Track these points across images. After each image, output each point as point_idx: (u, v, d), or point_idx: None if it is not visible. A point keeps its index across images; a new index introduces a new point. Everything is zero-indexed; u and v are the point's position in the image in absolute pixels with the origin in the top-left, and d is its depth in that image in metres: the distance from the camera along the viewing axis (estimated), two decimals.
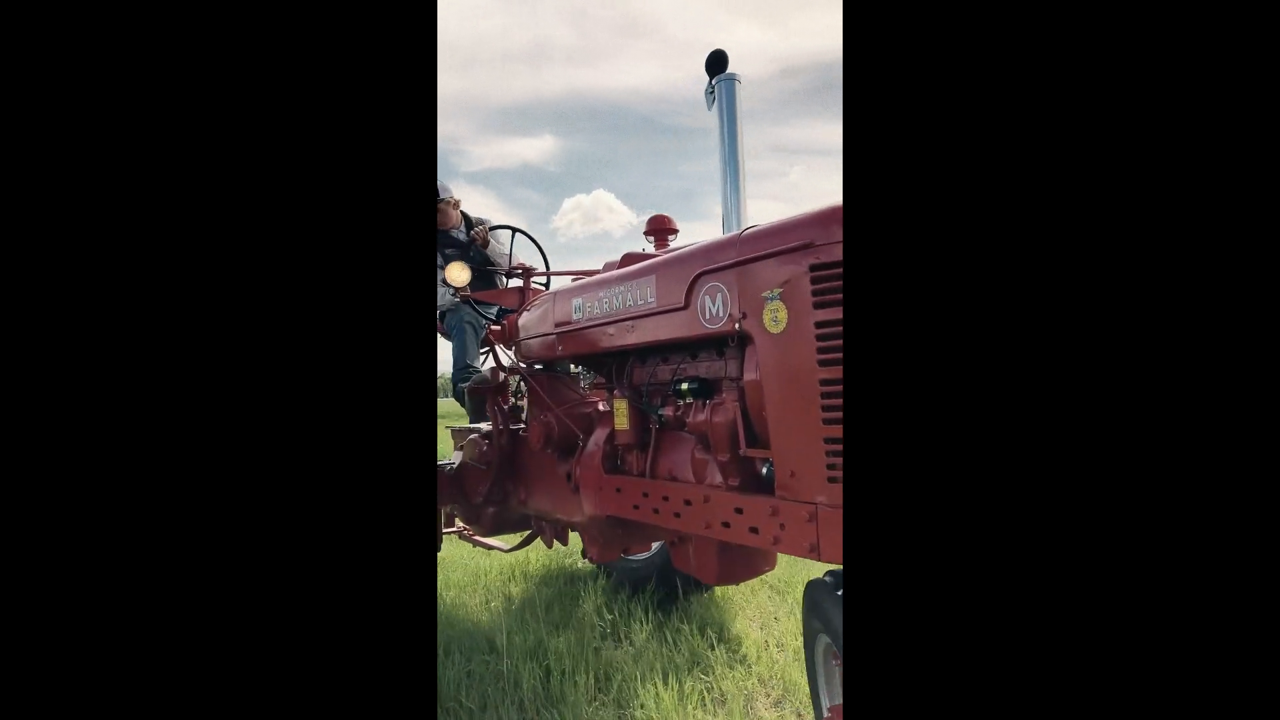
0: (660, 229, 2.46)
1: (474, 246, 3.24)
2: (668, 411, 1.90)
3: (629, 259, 2.29)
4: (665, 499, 1.87)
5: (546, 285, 3.38)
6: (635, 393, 2.11)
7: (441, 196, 3.34)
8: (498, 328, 3.02)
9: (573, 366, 2.73)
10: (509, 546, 3.18)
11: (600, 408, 2.60)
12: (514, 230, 3.35)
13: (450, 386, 3.27)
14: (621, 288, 2.02)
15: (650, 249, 2.48)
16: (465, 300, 3.08)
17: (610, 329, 2.08)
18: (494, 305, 3.24)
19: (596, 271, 2.92)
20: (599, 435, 2.22)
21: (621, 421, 2.08)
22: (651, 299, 1.89)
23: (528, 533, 3.05)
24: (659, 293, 1.87)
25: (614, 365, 2.25)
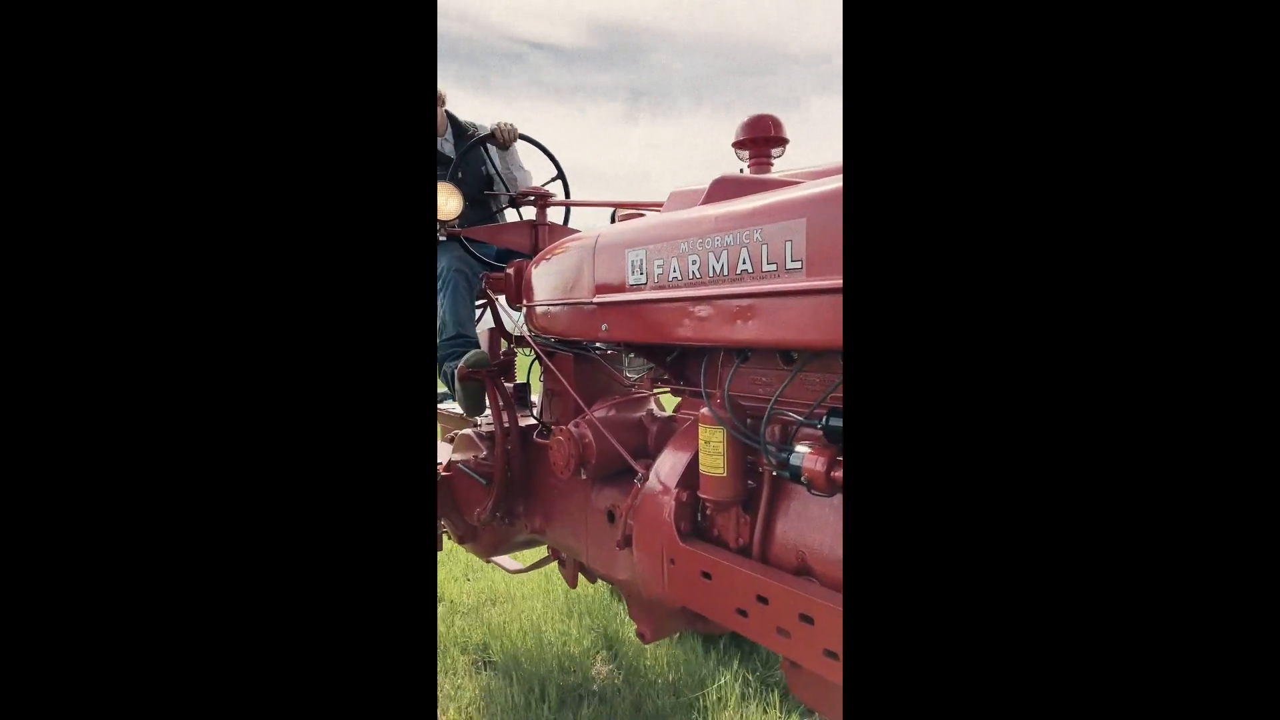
0: (761, 137, 1.56)
1: (464, 162, 2.31)
2: (811, 464, 1.07)
3: (724, 187, 1.40)
4: (808, 621, 1.06)
5: (565, 221, 2.48)
6: (738, 415, 1.27)
7: None
8: (499, 274, 2.13)
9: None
10: (519, 567, 2.42)
11: (654, 409, 1.77)
12: (522, 139, 2.41)
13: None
14: (727, 239, 1.15)
15: (747, 171, 1.59)
16: (455, 238, 2.19)
17: (701, 309, 1.22)
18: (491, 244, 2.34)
19: (653, 206, 2.03)
20: (668, 467, 1.40)
21: (714, 462, 1.25)
22: (795, 262, 1.03)
23: (544, 556, 2.28)
24: (814, 251, 1.00)
25: (698, 364, 1.40)
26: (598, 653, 2.52)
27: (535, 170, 2.56)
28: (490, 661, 2.50)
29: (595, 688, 2.27)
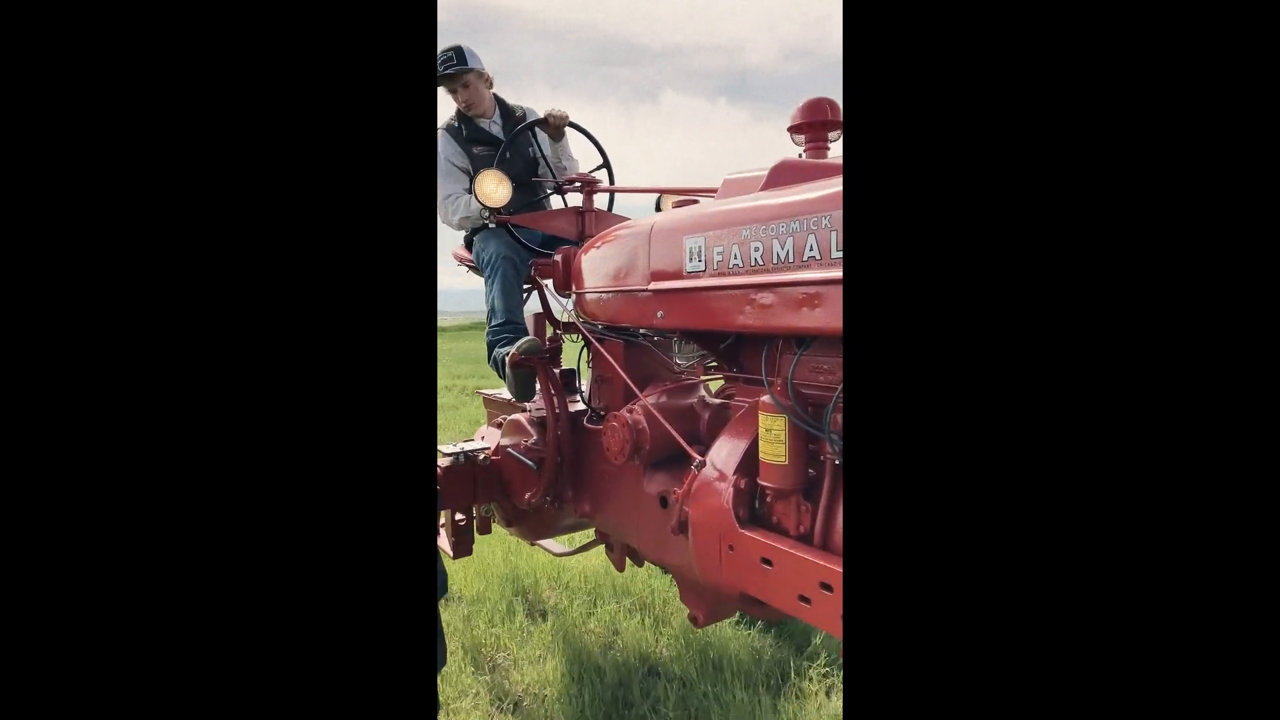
0: (818, 121, 1.54)
1: (515, 148, 2.32)
2: None
3: (785, 173, 1.38)
4: None
5: (609, 207, 2.48)
6: (800, 403, 1.26)
7: (468, 66, 2.37)
8: (546, 260, 2.15)
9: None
10: (565, 550, 2.46)
11: (705, 396, 1.77)
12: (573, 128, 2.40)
13: (460, 328, 2.44)
14: (793, 225, 1.14)
15: (804, 156, 1.57)
16: (503, 225, 2.21)
17: (764, 296, 1.21)
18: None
19: (706, 191, 2.01)
20: (725, 454, 1.40)
21: (776, 450, 1.25)
22: None
23: (591, 540, 2.31)
24: None
25: (752, 351, 1.40)
26: (545, 579, 2.94)
27: (582, 160, 2.56)
28: (454, 596, 2.81)
29: (551, 604, 2.74)
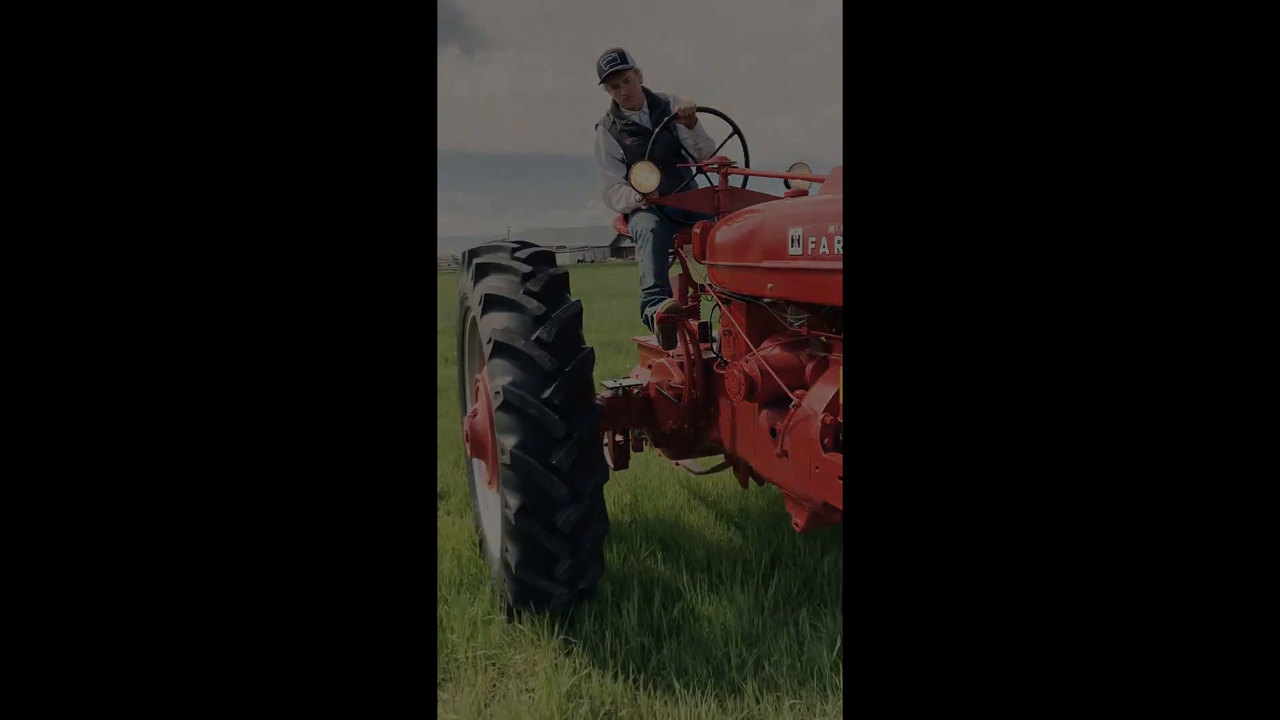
0: None
1: (659, 137, 2.76)
2: None
3: None
4: None
5: (743, 185, 2.86)
6: None
7: (628, 65, 2.81)
8: (687, 231, 2.61)
9: None
10: (703, 469, 3.00)
11: (812, 349, 2.17)
12: (711, 112, 2.79)
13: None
14: None
15: None
16: (654, 205, 2.69)
17: (841, 279, 1.59)
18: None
19: (819, 178, 2.35)
20: (817, 397, 1.82)
21: None
22: None
23: (721, 462, 2.82)
24: None
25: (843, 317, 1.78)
26: None
27: (717, 136, 2.94)
28: None
29: None
